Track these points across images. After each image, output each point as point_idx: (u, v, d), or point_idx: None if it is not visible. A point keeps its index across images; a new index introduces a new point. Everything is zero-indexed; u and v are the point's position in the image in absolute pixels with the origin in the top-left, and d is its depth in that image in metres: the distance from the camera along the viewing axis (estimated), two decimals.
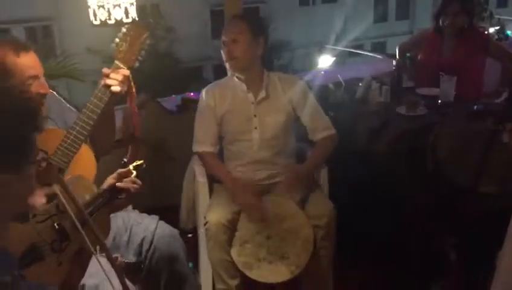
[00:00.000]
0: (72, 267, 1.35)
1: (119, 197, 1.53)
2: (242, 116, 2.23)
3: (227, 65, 2.20)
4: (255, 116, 2.23)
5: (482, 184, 2.00)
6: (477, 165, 1.98)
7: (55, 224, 1.35)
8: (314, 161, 2.27)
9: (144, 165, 1.57)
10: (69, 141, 1.53)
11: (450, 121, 2.23)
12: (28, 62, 1.51)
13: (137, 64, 1.63)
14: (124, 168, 1.56)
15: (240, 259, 2.08)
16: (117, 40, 1.59)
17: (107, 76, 1.58)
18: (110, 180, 1.55)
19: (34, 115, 0.92)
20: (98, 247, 1.20)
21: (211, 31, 16.91)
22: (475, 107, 2.53)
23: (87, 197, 1.44)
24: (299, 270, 2.07)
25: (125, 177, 1.53)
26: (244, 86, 2.23)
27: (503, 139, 1.88)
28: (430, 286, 2.37)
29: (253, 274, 2.07)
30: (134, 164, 1.58)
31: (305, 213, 2.13)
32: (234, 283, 2.11)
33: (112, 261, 1.15)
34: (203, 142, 2.26)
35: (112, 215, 1.63)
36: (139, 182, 1.55)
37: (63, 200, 1.14)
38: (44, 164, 1.41)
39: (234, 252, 2.08)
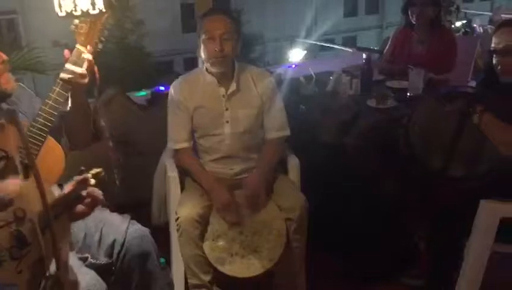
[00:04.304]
0: (33, 276, 1.30)
1: (77, 205, 1.47)
2: (213, 111, 2.21)
3: (212, 61, 2.13)
4: (226, 109, 2.21)
5: (451, 167, 2.04)
6: (448, 147, 2.02)
7: (13, 230, 1.29)
8: (269, 165, 2.23)
9: (103, 174, 1.49)
10: (32, 134, 1.45)
11: (423, 103, 2.27)
12: None
13: (100, 46, 1.54)
14: (81, 175, 1.49)
15: (212, 254, 2.06)
16: (76, 21, 1.49)
17: (69, 62, 1.49)
18: (68, 187, 1.50)
19: None
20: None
21: (181, 25, 16.77)
22: (446, 90, 2.58)
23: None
24: (272, 263, 2.07)
25: (84, 185, 1.47)
26: (215, 80, 2.20)
27: (473, 120, 1.92)
28: (400, 275, 2.42)
29: (226, 269, 2.06)
30: (93, 171, 1.51)
31: (277, 206, 2.13)
32: (207, 278, 2.10)
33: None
34: (178, 140, 2.23)
35: None
36: (98, 191, 1.49)
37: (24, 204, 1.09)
38: (2, 163, 1.34)
39: (207, 247, 2.07)
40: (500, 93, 2.03)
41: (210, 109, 2.21)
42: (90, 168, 1.51)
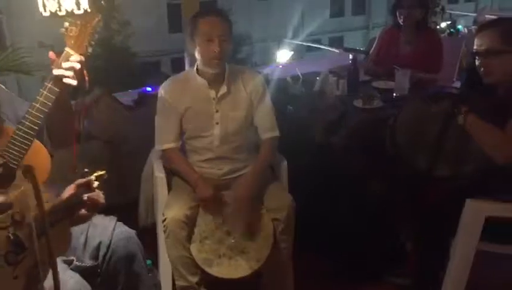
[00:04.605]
0: (30, 281, 1.28)
1: (80, 209, 1.46)
2: (203, 113, 2.20)
3: (210, 63, 2.12)
4: (216, 111, 2.20)
5: (437, 167, 2.06)
6: (433, 148, 2.04)
7: (10, 234, 1.27)
8: (263, 167, 2.23)
9: (106, 176, 1.48)
10: (18, 138, 1.43)
11: (408, 104, 2.29)
12: None
13: (90, 50, 1.52)
14: (84, 177, 1.47)
15: (199, 255, 2.06)
16: (66, 24, 1.47)
17: (58, 66, 1.46)
18: (68, 191, 1.48)
19: None
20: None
21: (168, 25, 16.69)
22: (432, 90, 2.61)
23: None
24: (259, 264, 2.07)
25: (85, 188, 1.45)
26: (205, 83, 2.19)
27: (458, 120, 1.94)
28: (387, 275, 2.43)
29: (213, 270, 2.06)
30: (96, 173, 1.50)
31: (265, 207, 2.13)
32: (194, 279, 2.09)
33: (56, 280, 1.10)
34: (166, 140, 2.23)
35: None
36: (101, 194, 1.47)
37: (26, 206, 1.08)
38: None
39: (194, 249, 2.06)
40: (483, 95, 2.05)
41: (200, 111, 2.20)
42: (94, 171, 1.50)
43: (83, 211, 1.42)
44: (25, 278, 1.22)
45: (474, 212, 1.89)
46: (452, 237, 1.97)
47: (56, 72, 1.46)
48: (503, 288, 2.29)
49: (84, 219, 1.45)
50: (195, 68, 2.22)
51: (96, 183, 1.45)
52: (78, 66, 1.46)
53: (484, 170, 1.96)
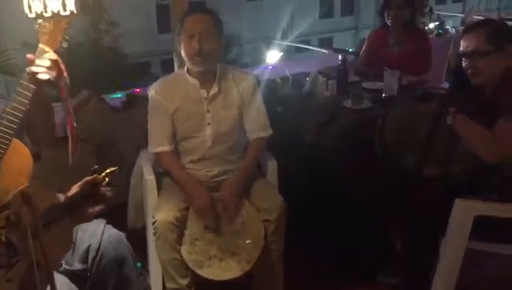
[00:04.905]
0: (24, 284, 1.27)
1: (90, 208, 1.44)
2: (195, 114, 2.19)
3: (192, 60, 2.11)
4: (208, 111, 2.19)
5: (426, 167, 2.07)
6: (422, 148, 2.05)
7: (2, 237, 1.25)
8: (251, 166, 2.23)
9: (118, 172, 1.48)
10: None
11: (397, 104, 2.30)
12: None
13: (65, 45, 1.49)
14: (93, 175, 1.46)
15: (190, 257, 2.05)
16: (40, 20, 1.45)
17: (33, 63, 1.44)
18: (74, 189, 1.46)
19: None
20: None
21: (157, 26, 16.62)
22: (420, 91, 2.62)
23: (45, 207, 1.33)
24: (250, 266, 2.06)
25: (93, 185, 1.44)
26: (197, 82, 2.18)
27: (447, 120, 1.94)
28: (377, 275, 2.44)
29: (204, 272, 2.04)
30: (108, 170, 1.48)
31: (255, 208, 2.12)
32: (185, 282, 2.08)
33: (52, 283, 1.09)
34: (159, 143, 2.19)
35: None
36: (109, 192, 1.46)
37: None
38: None
39: (184, 251, 2.05)
40: (471, 95, 2.07)
41: (191, 111, 2.19)
42: (106, 167, 1.49)
43: (91, 209, 1.42)
44: (18, 281, 1.21)
45: (464, 212, 1.90)
46: (441, 236, 1.98)
47: (30, 69, 1.44)
48: (492, 286, 2.30)
49: (89, 217, 1.43)
50: (185, 69, 2.21)
51: (106, 180, 1.45)
52: (49, 63, 1.45)
53: (473, 169, 1.97)
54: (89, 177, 1.45)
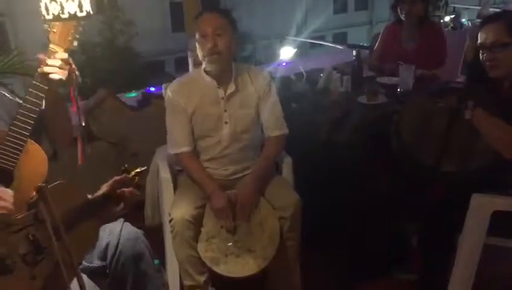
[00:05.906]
0: (49, 282, 1.28)
1: (116, 206, 1.46)
2: (212, 114, 2.19)
3: (206, 59, 2.12)
4: (225, 111, 2.19)
5: (443, 163, 2.05)
6: (440, 143, 2.03)
7: (30, 235, 1.27)
8: (264, 167, 2.21)
9: (148, 173, 1.49)
10: (12, 139, 1.42)
11: (413, 99, 2.28)
12: None
13: (75, 44, 1.51)
14: (123, 174, 1.47)
15: (206, 255, 2.06)
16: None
17: (44, 63, 1.46)
18: (104, 188, 1.48)
19: None
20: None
21: (171, 24, 16.69)
22: (437, 86, 2.59)
23: (73, 205, 1.35)
24: (266, 263, 2.07)
25: (123, 185, 1.45)
26: (214, 82, 2.18)
27: (465, 115, 1.92)
28: (393, 270, 2.43)
29: (221, 269, 2.06)
30: (138, 169, 1.49)
31: (271, 205, 2.13)
32: (202, 278, 2.10)
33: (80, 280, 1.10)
34: (180, 144, 2.20)
35: None
36: (136, 191, 1.48)
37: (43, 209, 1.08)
38: None
39: (201, 248, 2.06)
40: (489, 89, 2.04)
41: (209, 111, 2.19)
42: (136, 167, 1.50)
43: (120, 207, 1.43)
44: (43, 280, 1.22)
45: (481, 207, 1.88)
46: (459, 232, 1.96)
47: (41, 69, 1.46)
48: (510, 282, 2.28)
49: (116, 217, 1.45)
50: (202, 68, 2.22)
51: (136, 179, 1.47)
52: (60, 63, 1.47)
53: (491, 164, 1.95)
54: (118, 177, 1.46)
